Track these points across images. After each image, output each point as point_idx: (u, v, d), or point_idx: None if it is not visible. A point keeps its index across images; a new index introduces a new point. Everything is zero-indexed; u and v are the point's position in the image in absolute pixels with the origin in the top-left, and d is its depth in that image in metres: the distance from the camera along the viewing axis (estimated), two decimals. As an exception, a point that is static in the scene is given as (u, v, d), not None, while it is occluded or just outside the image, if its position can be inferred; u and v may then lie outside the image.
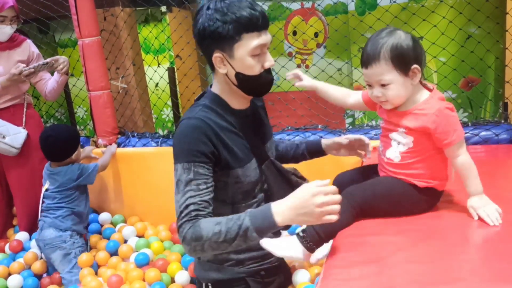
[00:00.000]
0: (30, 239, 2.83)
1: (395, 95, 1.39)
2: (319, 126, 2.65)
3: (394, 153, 1.46)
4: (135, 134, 3.03)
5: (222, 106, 1.45)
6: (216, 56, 1.38)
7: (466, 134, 2.29)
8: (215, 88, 1.48)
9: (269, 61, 1.41)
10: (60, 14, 3.24)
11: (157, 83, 3.51)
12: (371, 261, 1.19)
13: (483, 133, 2.27)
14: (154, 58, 3.99)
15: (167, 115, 4.42)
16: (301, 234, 1.36)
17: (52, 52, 4.26)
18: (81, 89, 3.41)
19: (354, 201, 1.42)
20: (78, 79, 3.64)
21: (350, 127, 3.34)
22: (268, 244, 1.34)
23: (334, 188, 1.22)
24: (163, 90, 3.52)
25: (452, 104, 1.40)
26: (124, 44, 3.20)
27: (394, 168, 1.46)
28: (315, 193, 1.20)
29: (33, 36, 4.23)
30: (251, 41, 1.35)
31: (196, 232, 1.29)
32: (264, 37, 1.37)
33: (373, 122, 3.29)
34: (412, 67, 1.36)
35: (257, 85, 1.42)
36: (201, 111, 1.43)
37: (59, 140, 2.52)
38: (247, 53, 1.36)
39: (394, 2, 2.91)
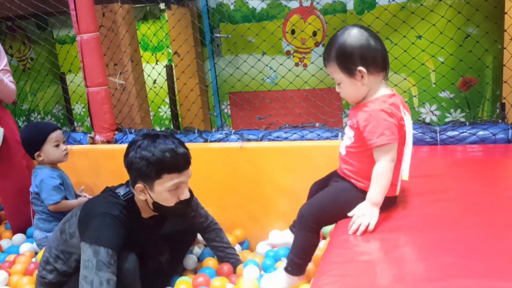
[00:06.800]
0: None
1: (345, 94, 1.42)
2: (317, 124, 2.65)
3: (342, 146, 1.49)
4: (133, 131, 3.02)
5: (134, 213, 1.66)
6: (138, 186, 1.60)
7: (464, 134, 2.29)
8: (135, 195, 1.67)
9: (185, 194, 1.60)
10: (58, 10, 3.23)
11: (155, 80, 3.51)
12: (366, 258, 1.19)
13: (481, 132, 2.27)
14: (152, 55, 3.99)
15: (165, 112, 4.42)
16: (284, 265, 1.55)
17: (50, 48, 4.25)
18: (78, 85, 3.41)
19: (308, 220, 1.44)
20: (76, 75, 3.63)
21: (348, 126, 3.34)
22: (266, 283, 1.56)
23: None
24: (161, 87, 3.52)
25: (395, 109, 1.36)
26: (122, 41, 3.20)
27: (342, 162, 1.49)
28: None
29: (31, 31, 4.23)
30: (170, 181, 1.56)
31: None
32: (184, 176, 1.58)
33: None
34: (358, 68, 1.35)
35: (170, 213, 1.66)
36: (120, 213, 1.61)
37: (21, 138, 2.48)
38: (165, 190, 1.56)
39: (393, 1, 2.92)
